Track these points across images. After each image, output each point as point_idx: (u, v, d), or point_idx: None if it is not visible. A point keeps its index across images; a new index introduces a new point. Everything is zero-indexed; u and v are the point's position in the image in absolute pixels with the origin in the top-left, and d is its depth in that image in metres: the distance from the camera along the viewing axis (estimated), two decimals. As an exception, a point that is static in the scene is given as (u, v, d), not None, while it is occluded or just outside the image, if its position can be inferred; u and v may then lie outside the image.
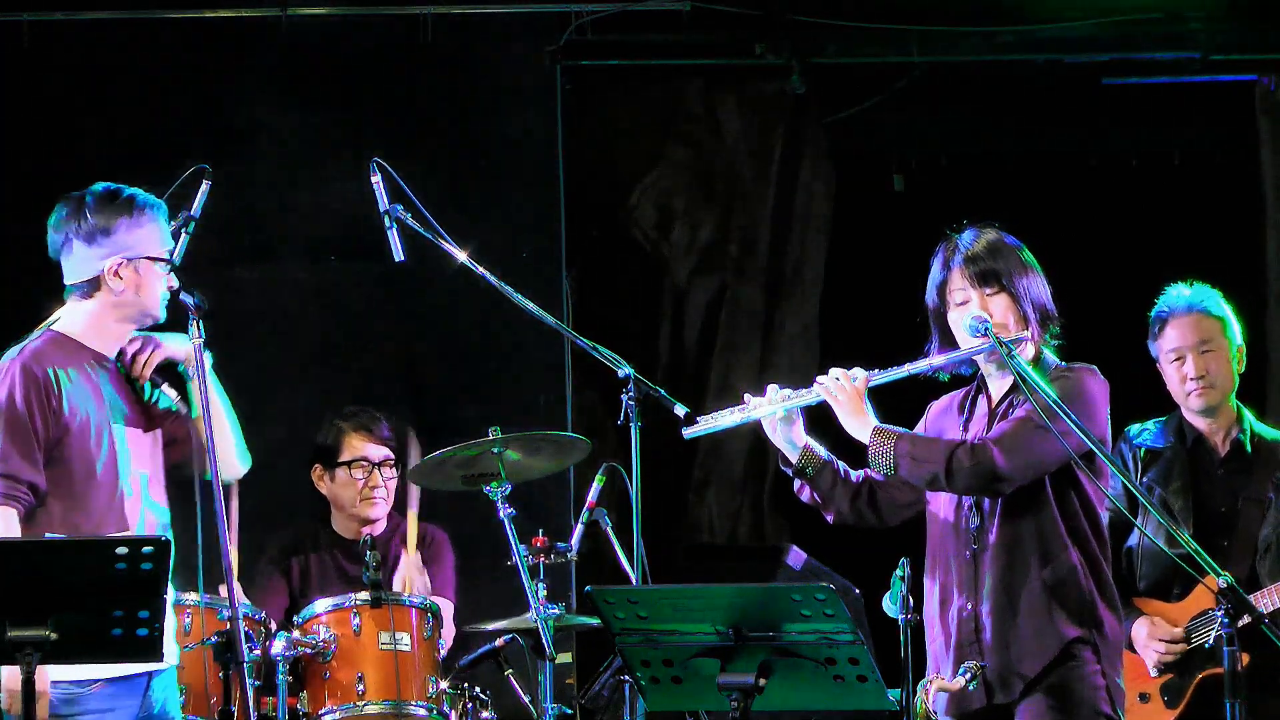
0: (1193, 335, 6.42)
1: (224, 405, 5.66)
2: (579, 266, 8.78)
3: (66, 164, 8.23)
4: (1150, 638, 6.35)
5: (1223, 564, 5.07)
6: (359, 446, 7.19)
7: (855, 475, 5.73)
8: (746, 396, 5.67)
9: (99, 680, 5.29)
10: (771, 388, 5.65)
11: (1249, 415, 6.51)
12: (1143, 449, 6.51)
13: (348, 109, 8.39)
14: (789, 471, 5.73)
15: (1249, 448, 6.46)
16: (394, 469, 7.19)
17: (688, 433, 5.73)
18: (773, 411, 5.63)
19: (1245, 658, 5.04)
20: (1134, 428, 6.56)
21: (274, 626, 6.39)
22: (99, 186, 5.60)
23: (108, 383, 5.53)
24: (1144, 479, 6.43)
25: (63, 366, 5.45)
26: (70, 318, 5.58)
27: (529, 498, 7.12)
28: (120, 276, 5.50)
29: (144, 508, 5.50)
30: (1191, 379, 6.41)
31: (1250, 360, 6.63)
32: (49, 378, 5.42)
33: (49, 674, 5.18)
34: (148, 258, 5.52)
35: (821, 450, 5.72)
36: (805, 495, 5.75)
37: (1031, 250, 5.66)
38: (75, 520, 5.39)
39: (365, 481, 7.17)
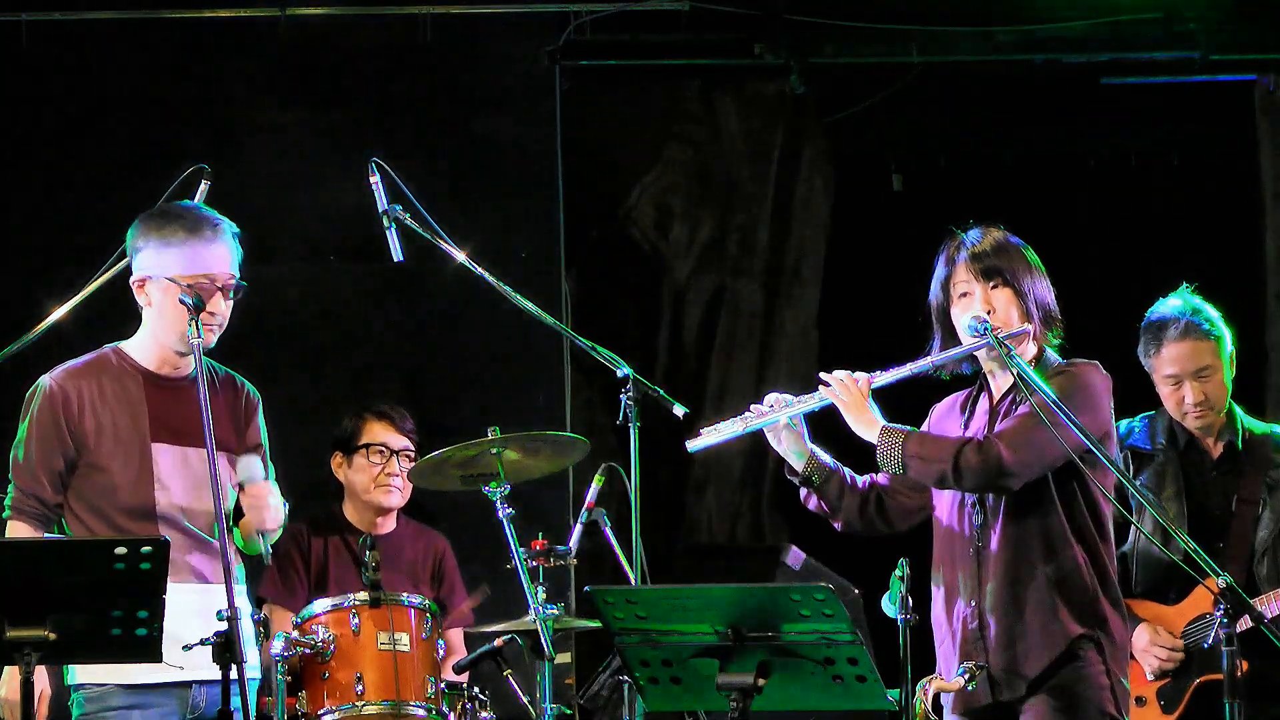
0: (1190, 363, 6.33)
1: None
2: (578, 266, 8.77)
3: (66, 164, 8.23)
4: (1151, 645, 6.33)
5: (1220, 567, 5.05)
6: (379, 433, 7.26)
7: (862, 481, 5.69)
8: (752, 405, 5.64)
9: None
10: (771, 395, 5.61)
11: (1239, 412, 6.47)
12: (1129, 449, 6.48)
13: (347, 109, 8.39)
14: (795, 481, 5.69)
15: (1240, 446, 6.43)
16: (412, 461, 7.21)
17: (691, 446, 5.67)
18: (776, 419, 5.59)
19: (1245, 665, 5.04)
20: (1121, 425, 6.47)
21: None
22: (159, 206, 5.66)
23: (156, 400, 5.56)
24: (1135, 482, 6.39)
25: (95, 382, 5.51)
26: (137, 334, 5.64)
27: (528, 498, 7.12)
28: (144, 292, 5.54)
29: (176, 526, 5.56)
30: (1190, 403, 6.38)
31: (1250, 360, 6.62)
32: (69, 395, 5.48)
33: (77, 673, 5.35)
34: (168, 279, 5.46)
35: (827, 457, 5.67)
36: (813, 504, 5.70)
37: (1031, 250, 5.65)
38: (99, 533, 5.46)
39: (382, 468, 7.22)
